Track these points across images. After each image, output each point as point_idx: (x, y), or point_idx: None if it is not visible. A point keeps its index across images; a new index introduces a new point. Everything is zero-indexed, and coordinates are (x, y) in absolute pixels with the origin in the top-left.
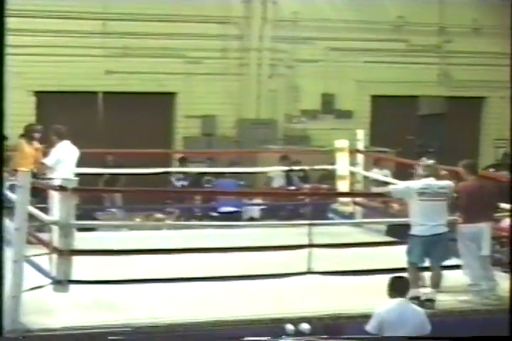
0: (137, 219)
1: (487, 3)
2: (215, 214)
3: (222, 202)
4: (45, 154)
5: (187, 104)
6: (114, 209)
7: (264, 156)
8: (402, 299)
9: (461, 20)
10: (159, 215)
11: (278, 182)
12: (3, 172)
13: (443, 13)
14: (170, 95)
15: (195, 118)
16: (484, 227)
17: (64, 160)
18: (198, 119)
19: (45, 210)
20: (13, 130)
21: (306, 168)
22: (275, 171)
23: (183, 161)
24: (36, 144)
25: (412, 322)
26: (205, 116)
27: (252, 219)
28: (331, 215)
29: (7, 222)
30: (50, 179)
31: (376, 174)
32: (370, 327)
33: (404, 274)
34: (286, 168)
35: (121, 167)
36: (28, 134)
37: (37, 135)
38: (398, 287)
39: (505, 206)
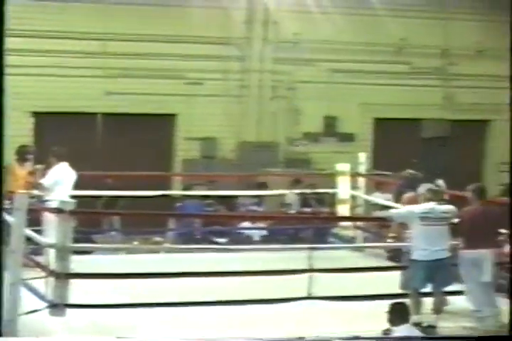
0: (135, 243)
1: (491, 26)
2: (217, 239)
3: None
4: (44, 175)
5: (187, 126)
6: (112, 232)
7: (270, 179)
8: (407, 325)
9: (465, 43)
10: (157, 238)
11: (295, 207)
12: (3, 191)
13: (446, 36)
14: (170, 117)
15: (195, 140)
16: (486, 253)
17: (61, 182)
18: (198, 141)
19: (38, 232)
20: (9, 151)
21: (308, 191)
22: (291, 196)
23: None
24: (29, 166)
25: None
26: (205, 138)
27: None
28: (331, 239)
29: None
30: (46, 201)
31: (378, 198)
32: None
33: (406, 300)
34: (287, 191)
35: (120, 189)
36: (20, 156)
37: (30, 156)
38: (399, 313)
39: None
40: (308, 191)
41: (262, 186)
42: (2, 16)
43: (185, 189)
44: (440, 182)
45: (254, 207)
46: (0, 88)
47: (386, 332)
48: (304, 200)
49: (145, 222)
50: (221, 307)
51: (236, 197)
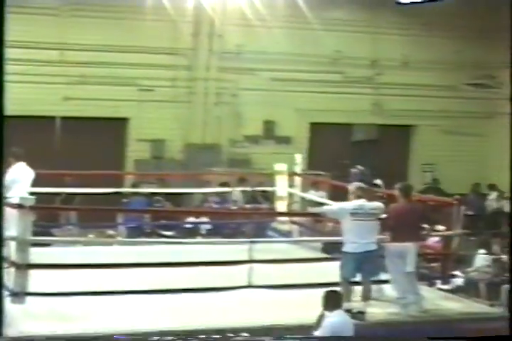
0: (90, 236)
1: (415, 40)
2: (164, 232)
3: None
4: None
5: (138, 129)
6: (69, 226)
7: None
8: (340, 311)
9: (392, 55)
10: (111, 232)
11: (240, 203)
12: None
13: (376, 48)
14: (123, 120)
15: (145, 142)
16: (410, 246)
17: (19, 180)
18: (149, 143)
19: None
20: None
21: (248, 189)
22: (236, 193)
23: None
24: None
25: (350, 332)
26: (155, 140)
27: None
28: (270, 233)
29: None
30: (6, 198)
31: (312, 195)
32: (319, 333)
33: (338, 288)
34: (230, 189)
35: (77, 187)
36: None
37: None
38: (333, 300)
39: (439, 227)
40: (249, 189)
41: (225, 185)
42: (2, 19)
43: (133, 186)
44: (379, 181)
45: (217, 205)
46: (0, 91)
47: (320, 316)
48: (253, 197)
49: (99, 216)
50: (166, 295)
51: (184, 194)
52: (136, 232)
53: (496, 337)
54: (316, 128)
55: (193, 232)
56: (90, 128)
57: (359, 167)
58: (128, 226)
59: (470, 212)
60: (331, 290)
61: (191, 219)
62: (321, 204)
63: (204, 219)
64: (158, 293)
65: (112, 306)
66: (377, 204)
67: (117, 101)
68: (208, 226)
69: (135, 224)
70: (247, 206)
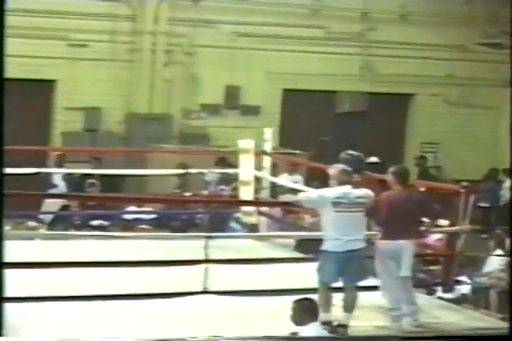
0: (7, 228)
1: None
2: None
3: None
4: None
5: (68, 94)
6: None
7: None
8: (315, 324)
9: (387, 6)
10: (32, 223)
11: (215, 187)
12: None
13: None
14: (48, 83)
15: (76, 110)
16: (405, 244)
17: None
18: (81, 112)
19: None
20: None
21: (205, 171)
22: (212, 174)
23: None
24: None
25: None
26: (88, 108)
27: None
28: (233, 225)
29: None
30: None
31: (286, 180)
32: None
33: (314, 296)
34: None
35: None
36: None
37: None
38: (307, 311)
39: (442, 222)
40: (206, 171)
41: (223, 162)
42: (2, 16)
43: (57, 166)
44: (374, 158)
45: (223, 186)
46: (0, 86)
47: (293, 334)
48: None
49: (20, 203)
50: (100, 302)
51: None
52: (63, 224)
53: (496, 337)
54: (290, 96)
55: (132, 224)
56: (6, 92)
57: (352, 152)
58: (54, 217)
59: (484, 204)
60: (305, 299)
61: (132, 208)
62: (296, 191)
63: (148, 208)
64: (80, 299)
65: (23, 315)
66: (365, 191)
67: (41, 59)
68: (152, 217)
69: (60, 213)
70: (204, 192)
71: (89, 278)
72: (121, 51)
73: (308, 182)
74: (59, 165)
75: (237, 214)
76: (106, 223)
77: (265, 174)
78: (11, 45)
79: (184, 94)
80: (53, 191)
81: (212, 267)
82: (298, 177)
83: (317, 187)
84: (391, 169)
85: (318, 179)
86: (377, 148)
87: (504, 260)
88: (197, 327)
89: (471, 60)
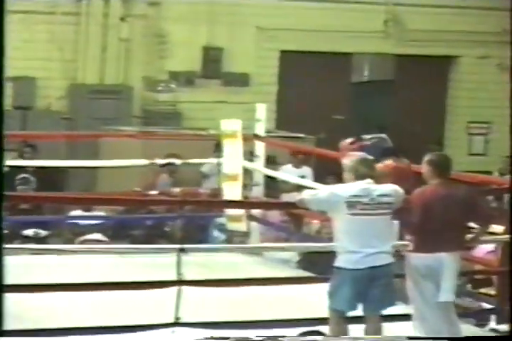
0: None
1: None
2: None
3: None
4: None
5: None
6: None
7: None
8: None
9: None
10: None
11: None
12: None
13: None
14: None
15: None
16: (446, 259)
17: None
18: (8, 83)
19: None
20: None
21: (176, 161)
22: (210, 165)
23: None
24: None
25: None
26: (18, 78)
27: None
28: (215, 233)
29: None
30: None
31: (288, 173)
32: None
33: (325, 328)
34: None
35: None
36: None
37: None
38: None
39: (495, 227)
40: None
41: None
42: (2, 17)
43: None
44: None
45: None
46: (0, 88)
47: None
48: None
49: None
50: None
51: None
52: None
53: (496, 337)
54: (290, 60)
55: (79, 234)
56: None
57: (374, 135)
58: None
59: None
60: (312, 332)
61: (79, 212)
62: (302, 187)
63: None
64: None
65: None
66: (392, 187)
67: None
68: (106, 224)
69: None
70: (175, 190)
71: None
72: (62, 1)
73: (319, 176)
74: None
75: (221, 220)
76: (43, 232)
77: (258, 165)
78: None
79: (147, 58)
80: None
81: (187, 290)
82: (305, 170)
83: (332, 184)
84: (427, 157)
85: (332, 172)
86: (407, 130)
87: None
88: None
89: None
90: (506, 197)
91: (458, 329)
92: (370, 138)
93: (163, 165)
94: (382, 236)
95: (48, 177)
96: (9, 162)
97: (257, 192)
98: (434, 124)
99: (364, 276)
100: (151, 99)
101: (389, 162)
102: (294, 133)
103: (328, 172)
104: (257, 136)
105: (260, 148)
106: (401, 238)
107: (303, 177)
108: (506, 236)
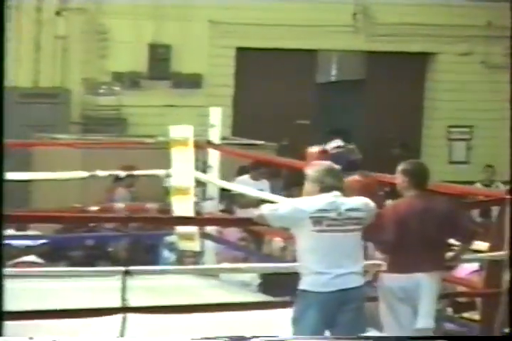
0: None
1: None
2: None
3: None
4: None
5: None
6: None
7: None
8: None
9: None
10: None
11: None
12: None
13: None
14: None
15: None
16: (424, 280)
17: None
18: None
19: None
20: None
21: (121, 173)
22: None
23: None
24: None
25: None
26: None
27: None
28: (166, 254)
29: None
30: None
31: (245, 186)
32: None
33: None
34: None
35: None
36: None
37: None
38: None
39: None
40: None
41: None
42: (2, 18)
43: None
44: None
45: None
46: (0, 86)
47: None
48: None
49: None
50: None
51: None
52: None
53: (496, 337)
54: (248, 58)
55: (11, 256)
56: None
57: (341, 143)
58: None
59: None
60: None
61: (11, 231)
62: (262, 201)
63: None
64: None
65: None
66: (363, 200)
67: None
68: (42, 244)
69: None
70: (120, 205)
71: None
72: None
73: (278, 188)
74: None
75: (171, 238)
76: None
77: (212, 177)
78: None
79: (87, 57)
80: None
81: (133, 318)
82: (263, 183)
83: (296, 196)
84: (401, 166)
85: (297, 183)
86: (380, 136)
87: None
88: None
89: None
90: (494, 210)
91: None
92: (336, 147)
93: (118, 178)
94: (352, 255)
95: None
96: None
97: (211, 207)
98: (410, 129)
99: (332, 300)
100: (91, 104)
101: (354, 177)
102: (253, 140)
103: (293, 183)
104: (210, 144)
105: (214, 157)
106: (369, 257)
107: (261, 190)
108: (491, 254)
